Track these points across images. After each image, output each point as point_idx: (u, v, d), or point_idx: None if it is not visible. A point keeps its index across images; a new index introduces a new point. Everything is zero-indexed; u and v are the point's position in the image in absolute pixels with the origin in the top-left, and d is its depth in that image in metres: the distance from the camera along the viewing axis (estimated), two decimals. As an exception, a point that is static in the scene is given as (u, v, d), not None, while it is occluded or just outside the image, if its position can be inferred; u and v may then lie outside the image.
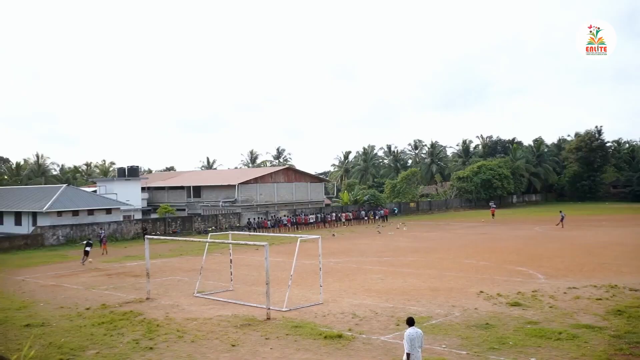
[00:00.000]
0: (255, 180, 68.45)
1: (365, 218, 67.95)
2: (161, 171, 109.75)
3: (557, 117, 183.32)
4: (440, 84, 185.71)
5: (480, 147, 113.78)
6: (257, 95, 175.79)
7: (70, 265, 36.03)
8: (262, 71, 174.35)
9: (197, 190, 70.57)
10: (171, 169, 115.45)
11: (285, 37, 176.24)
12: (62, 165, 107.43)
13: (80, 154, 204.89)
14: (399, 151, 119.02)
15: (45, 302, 23.66)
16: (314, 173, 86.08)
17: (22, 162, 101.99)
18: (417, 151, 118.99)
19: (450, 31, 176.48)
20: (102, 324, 18.89)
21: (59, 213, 52.06)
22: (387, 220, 68.41)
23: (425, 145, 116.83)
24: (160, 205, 67.60)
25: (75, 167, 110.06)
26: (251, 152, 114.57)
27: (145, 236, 25.49)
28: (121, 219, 56.58)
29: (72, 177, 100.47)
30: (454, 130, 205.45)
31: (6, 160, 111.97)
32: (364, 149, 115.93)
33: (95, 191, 65.37)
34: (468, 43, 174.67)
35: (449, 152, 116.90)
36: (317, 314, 19.53)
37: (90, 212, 54.59)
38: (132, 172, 69.20)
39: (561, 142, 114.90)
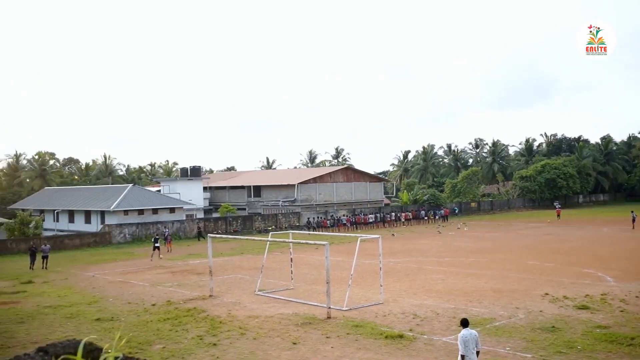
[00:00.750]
0: (315, 180, 68.81)
1: (425, 218, 67.23)
2: (222, 171, 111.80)
3: (626, 114, 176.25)
4: (501, 81, 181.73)
5: (544, 145, 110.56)
6: (316, 96, 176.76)
7: (136, 263, 37.19)
8: (320, 71, 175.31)
9: (257, 190, 71.52)
10: (232, 169, 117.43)
11: (343, 37, 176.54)
12: (128, 166, 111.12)
13: (143, 154, 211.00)
14: (460, 150, 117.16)
15: (113, 298, 24.53)
16: (372, 173, 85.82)
17: (90, 163, 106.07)
18: (478, 150, 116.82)
19: (512, 26, 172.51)
20: (167, 320, 19.43)
21: (126, 212, 53.82)
22: (447, 220, 67.50)
23: (487, 144, 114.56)
24: (222, 204, 68.85)
25: (140, 167, 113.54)
26: (310, 152, 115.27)
27: (208, 235, 26.06)
28: (184, 218, 57.97)
29: (137, 177, 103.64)
30: (517, 128, 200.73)
31: (76, 161, 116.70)
32: (424, 148, 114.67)
33: (159, 191, 67.19)
34: (530, 38, 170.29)
35: (511, 150, 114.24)
36: (377, 314, 19.47)
37: (155, 211, 56.17)
38: (195, 172, 70.74)
39: (631, 140, 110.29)
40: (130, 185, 62.99)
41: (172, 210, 57.69)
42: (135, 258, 39.96)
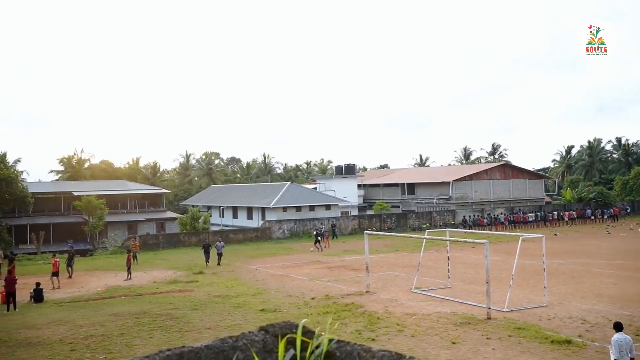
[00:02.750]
0: (470, 177, 67.03)
1: (592, 217, 62.72)
2: (375, 169, 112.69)
3: None
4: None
5: None
6: (469, 90, 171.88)
7: (294, 258, 38.69)
8: (473, 65, 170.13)
9: (411, 188, 71.17)
10: (385, 166, 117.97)
11: (498, 27, 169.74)
12: (285, 164, 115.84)
13: (299, 153, 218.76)
14: (631, 144, 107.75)
15: (275, 290, 25.75)
16: (532, 169, 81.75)
17: (251, 162, 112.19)
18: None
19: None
20: (326, 314, 20.00)
21: (284, 208, 56.18)
22: (617, 220, 62.40)
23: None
24: (376, 201, 69.44)
25: (296, 165, 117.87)
26: (464, 149, 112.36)
27: (365, 232, 26.43)
28: (339, 215, 59.25)
29: (294, 175, 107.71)
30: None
31: (238, 160, 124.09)
32: (589, 142, 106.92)
33: (315, 188, 69.28)
34: None
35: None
36: (541, 317, 18.55)
37: (312, 208, 58.03)
38: (349, 170, 71.97)
39: None
40: (288, 183, 65.70)
41: (327, 207, 59.24)
42: (294, 253, 41.59)
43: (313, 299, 23.19)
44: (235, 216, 62.54)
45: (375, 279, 27.08)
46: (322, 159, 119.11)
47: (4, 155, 60.20)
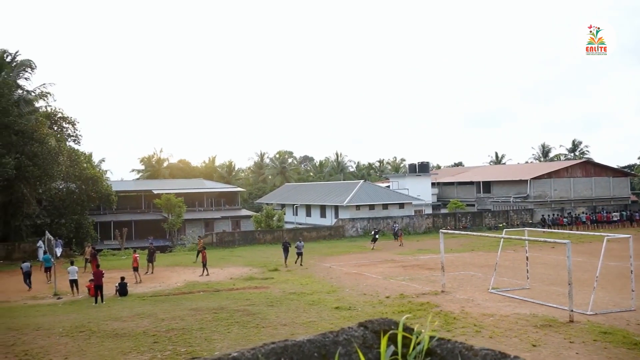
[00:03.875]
0: (549, 175, 64.77)
1: (683, 217, 59.33)
2: (449, 167, 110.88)
3: None
4: None
5: None
6: (547, 86, 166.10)
7: (368, 256, 38.62)
8: (552, 58, 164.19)
9: (487, 186, 69.59)
10: (459, 164, 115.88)
11: (582, 17, 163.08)
12: (358, 163, 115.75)
13: (371, 151, 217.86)
14: None
15: (350, 288, 25.78)
16: (616, 167, 78.15)
17: (324, 160, 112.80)
18: None
19: None
20: (401, 312, 19.83)
21: (357, 207, 56.19)
22: None
23: None
24: (450, 200, 68.37)
25: (369, 164, 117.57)
26: (542, 146, 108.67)
27: (440, 231, 26.06)
28: (413, 214, 58.70)
29: (367, 173, 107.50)
30: None
31: (311, 159, 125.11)
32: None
33: (388, 186, 68.94)
34: None
35: None
36: (629, 322, 17.71)
37: (385, 206, 57.77)
38: (423, 168, 71.17)
39: None
40: (362, 181, 65.65)
41: (401, 205, 58.81)
42: (367, 251, 41.53)
43: (388, 297, 23.07)
44: (308, 214, 63.09)
45: (451, 278, 26.65)
46: (394, 157, 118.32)
47: (90, 155, 63.14)
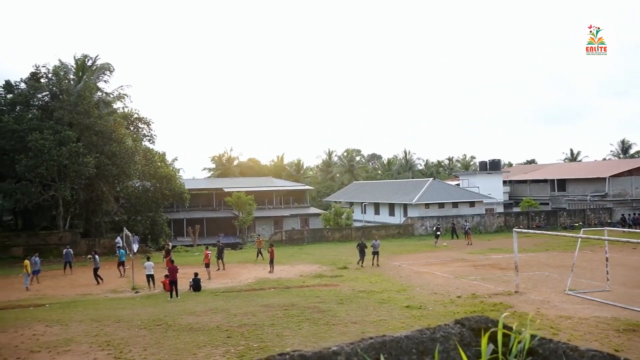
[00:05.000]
0: (630, 172, 61.90)
1: None
2: (522, 164, 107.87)
3: None
4: None
5: None
6: (628, 78, 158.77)
7: (438, 255, 38.10)
8: (632, 50, 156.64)
9: (562, 184, 67.25)
10: (532, 161, 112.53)
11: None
12: (427, 160, 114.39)
13: (441, 149, 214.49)
14: None
15: (420, 287, 25.51)
16: (703, 163, 73.79)
17: (392, 158, 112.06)
18: None
19: None
20: (473, 312, 19.45)
21: (427, 205, 55.52)
22: None
23: None
24: (522, 198, 66.55)
25: (438, 161, 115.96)
26: (622, 142, 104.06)
27: (513, 230, 25.41)
28: (484, 212, 57.48)
29: (436, 171, 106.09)
30: None
31: (379, 157, 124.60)
32: None
33: (458, 184, 67.79)
34: None
35: None
36: None
37: (455, 204, 56.82)
38: (494, 166, 69.58)
39: None
40: (431, 179, 64.82)
41: (471, 204, 57.70)
42: (437, 250, 40.99)
43: (459, 297, 22.68)
44: (377, 212, 62.83)
45: (525, 278, 25.91)
46: (464, 155, 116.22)
47: (164, 154, 65.22)
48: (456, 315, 19.30)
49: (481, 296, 22.64)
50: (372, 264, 33.71)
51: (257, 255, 38.76)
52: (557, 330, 16.77)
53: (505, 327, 1.74)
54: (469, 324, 1.81)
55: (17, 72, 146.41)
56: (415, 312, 20.12)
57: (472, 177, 69.25)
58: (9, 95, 45.09)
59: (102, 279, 30.49)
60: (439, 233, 44.45)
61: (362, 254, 33.87)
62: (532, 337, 1.67)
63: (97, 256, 31.77)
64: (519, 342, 1.67)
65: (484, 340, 1.65)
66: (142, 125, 53.07)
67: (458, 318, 1.85)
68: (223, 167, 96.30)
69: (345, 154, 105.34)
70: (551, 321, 17.99)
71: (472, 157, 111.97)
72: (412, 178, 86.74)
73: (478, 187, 63.99)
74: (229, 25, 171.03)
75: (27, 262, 29.65)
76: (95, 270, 30.76)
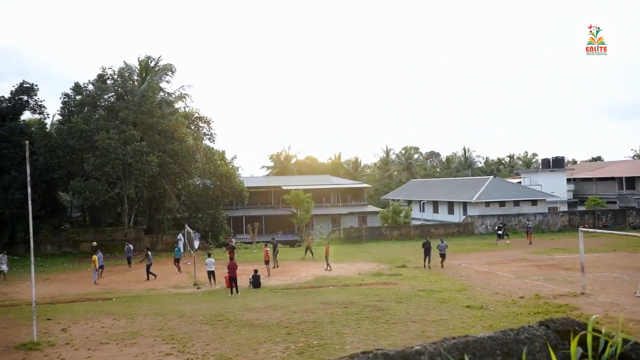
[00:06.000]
0: None
1: None
2: (587, 161, 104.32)
3: None
4: None
5: None
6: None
7: (499, 254, 37.30)
8: None
9: (631, 182, 64.60)
10: (598, 159, 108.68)
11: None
12: (487, 158, 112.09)
13: (501, 146, 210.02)
14: None
15: (481, 287, 25.05)
16: None
17: (451, 156, 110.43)
18: None
19: None
20: (537, 314, 18.95)
21: (487, 203, 54.42)
22: None
23: None
24: (588, 197, 64.38)
25: (498, 159, 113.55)
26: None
27: (580, 229, 24.61)
28: (546, 211, 55.92)
29: (496, 169, 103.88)
30: None
31: (437, 155, 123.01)
32: None
33: (519, 182, 66.17)
34: None
35: None
36: None
37: (516, 203, 55.48)
38: (557, 163, 67.57)
39: None
40: (491, 177, 63.48)
41: (534, 202, 56.21)
42: (498, 249, 40.13)
43: (522, 297, 22.15)
44: (435, 211, 62.04)
45: (591, 280, 25.06)
46: (526, 152, 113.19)
47: (223, 152, 66.28)
48: (519, 316, 18.86)
49: (545, 297, 22.04)
50: (442, 266, 31.79)
51: (306, 253, 38.69)
52: (628, 335, 16.12)
53: (594, 330, 1.67)
54: (554, 326, 1.75)
55: (86, 74, 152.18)
56: (476, 312, 19.77)
57: (534, 175, 67.42)
58: (78, 97, 46.74)
59: (155, 275, 31.15)
60: (500, 232, 43.73)
61: (428, 253, 32.33)
62: (625, 341, 1.60)
63: (149, 253, 32.51)
64: (611, 347, 1.60)
65: (574, 343, 1.59)
66: (202, 124, 54.10)
67: (542, 319, 1.79)
68: (281, 165, 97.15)
69: (403, 151, 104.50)
70: (622, 325, 17.17)
71: (534, 155, 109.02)
72: (472, 176, 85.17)
73: (540, 185, 62.25)
74: (288, 23, 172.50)
75: (95, 257, 30.74)
76: (148, 267, 31.45)
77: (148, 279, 30.84)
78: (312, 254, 37.97)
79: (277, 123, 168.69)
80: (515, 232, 49.70)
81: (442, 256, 32.38)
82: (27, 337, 17.21)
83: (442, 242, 33.67)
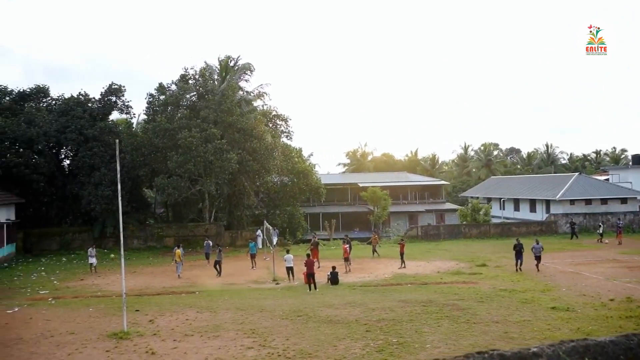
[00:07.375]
0: None
1: None
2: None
3: None
4: None
5: None
6: None
7: (585, 254, 35.82)
8: None
9: None
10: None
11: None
12: (571, 154, 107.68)
13: (586, 142, 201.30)
14: None
15: (567, 288, 24.11)
16: None
17: (532, 152, 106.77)
18: None
19: None
20: (630, 318, 18.05)
21: (572, 201, 52.27)
22: None
23: None
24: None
25: (584, 155, 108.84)
26: None
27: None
28: (638, 210, 53.10)
29: (581, 165, 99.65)
30: None
31: (518, 151, 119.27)
32: None
33: (607, 179, 63.16)
34: None
35: None
36: None
37: (604, 201, 53.00)
38: (649, 159, 64.01)
39: None
40: (576, 174, 60.91)
41: (623, 200, 53.49)
42: (584, 249, 38.53)
43: (611, 300, 21.13)
44: (516, 208, 60.17)
45: (689, 283, 23.62)
46: (614, 148, 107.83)
47: (300, 150, 66.91)
48: (610, 319, 17.99)
49: (638, 300, 20.95)
50: (538, 270, 29.62)
51: (373, 253, 38.09)
52: None
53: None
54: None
55: (170, 75, 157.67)
56: (562, 314, 19.04)
57: (623, 172, 64.13)
58: (162, 97, 48.43)
59: (219, 272, 31.12)
60: (600, 231, 43.76)
61: (520, 256, 30.11)
62: None
63: (220, 249, 33.04)
64: None
65: None
66: (280, 122, 54.81)
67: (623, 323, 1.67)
68: (357, 162, 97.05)
69: (482, 148, 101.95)
70: None
71: (623, 151, 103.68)
72: (555, 173, 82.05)
73: (631, 183, 59.13)
74: (365, 21, 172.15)
75: (178, 251, 31.67)
76: (218, 262, 31.73)
77: (219, 274, 31.14)
78: (379, 254, 37.64)
79: (353, 120, 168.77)
80: (605, 232, 47.52)
81: (538, 258, 30.21)
82: (118, 327, 18.02)
83: (538, 243, 31.15)
